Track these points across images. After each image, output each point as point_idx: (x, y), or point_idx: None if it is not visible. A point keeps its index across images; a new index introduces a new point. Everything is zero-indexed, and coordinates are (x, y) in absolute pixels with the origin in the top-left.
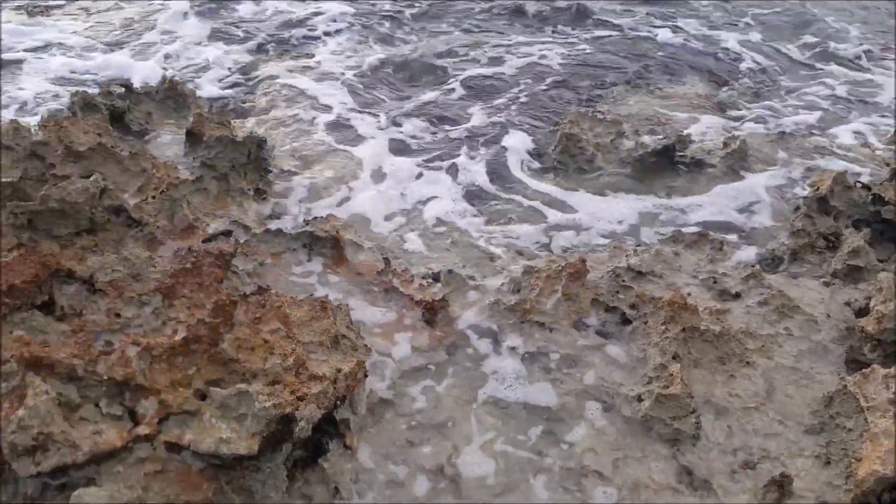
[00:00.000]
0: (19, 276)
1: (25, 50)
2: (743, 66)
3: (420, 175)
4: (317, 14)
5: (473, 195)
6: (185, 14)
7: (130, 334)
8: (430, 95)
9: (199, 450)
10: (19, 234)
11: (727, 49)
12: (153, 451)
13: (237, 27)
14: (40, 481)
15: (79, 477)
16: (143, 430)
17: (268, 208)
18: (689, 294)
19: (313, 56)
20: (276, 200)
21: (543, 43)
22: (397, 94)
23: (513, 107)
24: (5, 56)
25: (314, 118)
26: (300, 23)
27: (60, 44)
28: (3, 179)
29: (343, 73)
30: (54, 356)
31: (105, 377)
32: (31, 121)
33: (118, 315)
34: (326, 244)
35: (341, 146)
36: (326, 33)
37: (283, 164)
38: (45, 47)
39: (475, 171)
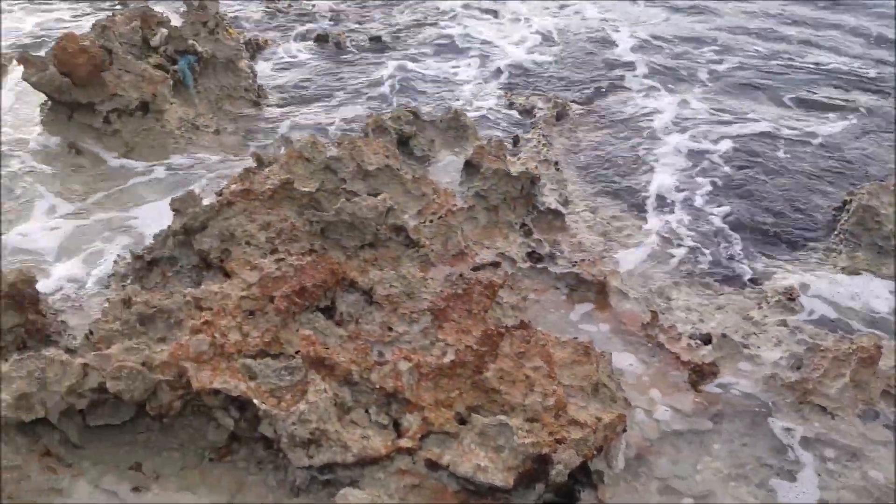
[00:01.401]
0: (311, 280)
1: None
2: None
3: (693, 226)
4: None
5: (751, 257)
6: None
7: (401, 349)
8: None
9: (457, 472)
10: (312, 241)
11: None
12: (413, 464)
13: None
14: (309, 473)
15: (344, 476)
16: (406, 442)
17: (533, 244)
18: None
19: (604, 97)
20: (541, 237)
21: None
22: (683, 145)
23: (793, 167)
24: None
25: (590, 159)
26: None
27: None
28: (303, 189)
29: (637, 121)
30: (335, 359)
31: (377, 386)
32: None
33: (390, 328)
34: (592, 288)
35: (615, 191)
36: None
37: (551, 203)
38: None
39: (754, 233)
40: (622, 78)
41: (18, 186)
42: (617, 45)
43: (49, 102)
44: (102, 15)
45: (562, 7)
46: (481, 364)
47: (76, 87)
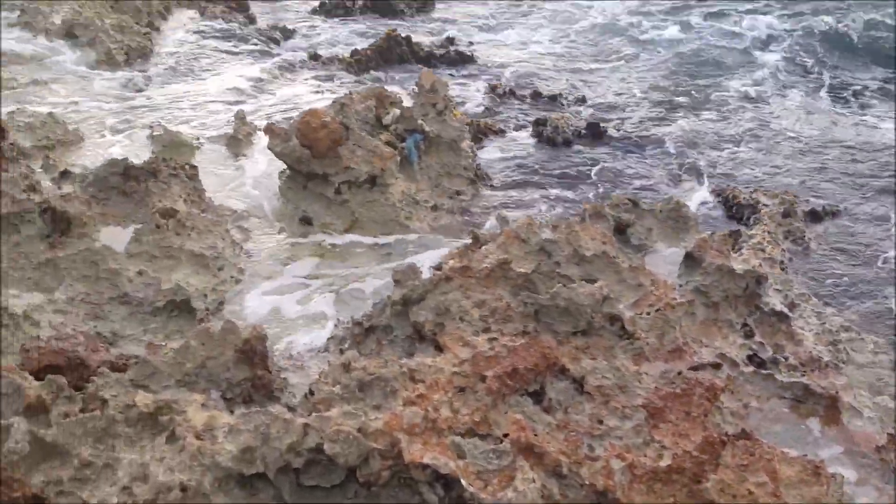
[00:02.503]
0: (523, 363)
1: None
2: None
3: None
4: None
5: None
6: None
7: (613, 444)
8: None
9: None
10: (525, 324)
11: None
12: None
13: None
14: None
15: None
16: None
17: (755, 347)
18: None
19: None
20: (763, 340)
21: None
22: None
23: None
24: None
25: (820, 262)
26: None
27: None
28: (519, 270)
29: None
30: (545, 447)
31: (586, 482)
32: None
33: (601, 422)
34: (821, 401)
35: (846, 300)
36: None
37: (776, 304)
38: None
39: None
40: (872, 183)
41: (254, 250)
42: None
43: (287, 171)
44: (341, 92)
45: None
46: (700, 472)
47: (314, 159)
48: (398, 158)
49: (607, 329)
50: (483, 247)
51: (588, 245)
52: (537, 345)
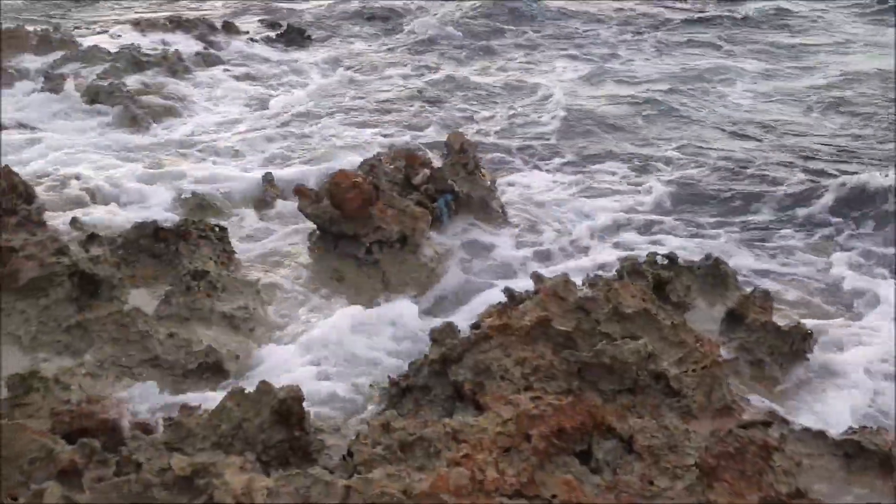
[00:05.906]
0: (569, 422)
1: None
2: None
3: None
4: None
5: None
6: None
7: None
8: None
9: None
10: (570, 382)
11: None
12: None
13: None
14: None
15: None
16: None
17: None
18: None
19: None
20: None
21: None
22: None
23: None
24: None
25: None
26: None
27: None
28: (560, 327)
29: None
30: None
31: None
32: None
33: (651, 482)
34: (873, 458)
35: None
36: None
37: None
38: None
39: None
40: None
41: (285, 311)
42: None
43: (317, 232)
44: None
45: None
46: None
47: (345, 220)
48: (429, 218)
49: (653, 387)
50: (520, 305)
51: (628, 302)
52: (583, 403)
